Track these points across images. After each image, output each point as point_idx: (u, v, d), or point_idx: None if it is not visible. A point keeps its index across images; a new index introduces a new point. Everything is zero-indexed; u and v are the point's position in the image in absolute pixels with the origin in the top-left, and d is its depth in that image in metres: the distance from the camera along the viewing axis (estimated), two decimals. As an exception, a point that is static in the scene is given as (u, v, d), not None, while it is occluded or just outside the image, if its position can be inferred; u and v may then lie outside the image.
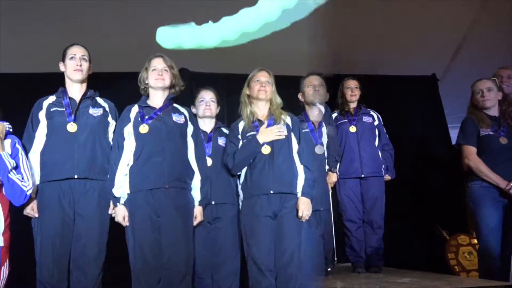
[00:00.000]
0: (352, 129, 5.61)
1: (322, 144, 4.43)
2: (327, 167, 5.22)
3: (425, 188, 7.20)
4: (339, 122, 5.66)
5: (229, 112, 5.66)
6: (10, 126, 3.96)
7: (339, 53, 6.83)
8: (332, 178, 5.41)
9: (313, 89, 4.56)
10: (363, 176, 5.53)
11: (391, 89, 7.63)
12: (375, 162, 5.60)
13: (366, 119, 5.72)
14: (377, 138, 5.74)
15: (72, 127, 4.02)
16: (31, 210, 3.95)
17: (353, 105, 5.77)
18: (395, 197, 6.04)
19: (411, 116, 7.77)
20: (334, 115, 5.66)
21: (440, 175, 7.20)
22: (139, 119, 4.09)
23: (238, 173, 4.35)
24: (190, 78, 5.62)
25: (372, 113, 5.82)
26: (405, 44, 7.15)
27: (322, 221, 4.27)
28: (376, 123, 5.78)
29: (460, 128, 5.12)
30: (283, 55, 6.04)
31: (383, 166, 5.67)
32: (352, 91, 5.72)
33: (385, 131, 5.84)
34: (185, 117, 4.22)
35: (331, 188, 5.46)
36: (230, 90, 5.78)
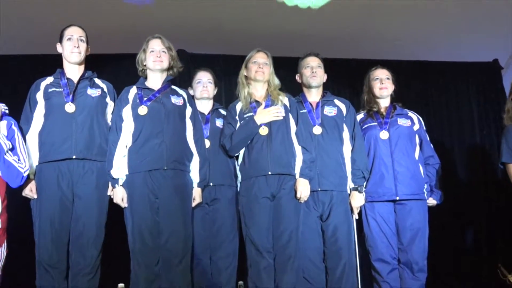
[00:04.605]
0: (384, 135, 4.48)
1: (320, 125, 4.40)
2: (351, 184, 4.40)
3: (484, 216, 6.00)
4: (365, 125, 4.59)
5: (227, 93, 5.62)
6: (6, 107, 3.96)
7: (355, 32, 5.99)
8: (358, 200, 4.40)
9: (310, 70, 4.53)
10: (398, 199, 4.38)
11: (435, 81, 6.41)
12: (415, 180, 4.41)
13: (402, 122, 4.54)
14: (417, 148, 4.55)
15: (70, 108, 4.01)
16: (30, 191, 3.95)
17: (384, 103, 4.67)
18: (442, 228, 5.28)
19: (465, 116, 6.38)
20: (360, 116, 4.65)
21: (506, 199, 5.70)
22: (138, 100, 4.08)
23: (236, 155, 4.36)
24: (188, 59, 5.58)
25: (410, 114, 4.68)
26: (455, 21, 5.83)
27: (319, 201, 4.27)
28: (416, 127, 4.61)
29: (504, 140, 4.21)
30: (282, 36, 5.91)
31: (425, 186, 4.46)
32: (382, 83, 4.64)
33: (428, 138, 4.68)
34: (184, 99, 4.21)
35: (358, 214, 4.45)
36: (228, 71, 5.75)
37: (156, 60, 4.13)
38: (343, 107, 4.53)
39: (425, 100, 6.30)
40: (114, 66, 5.55)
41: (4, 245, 3.75)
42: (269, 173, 4.12)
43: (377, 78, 4.66)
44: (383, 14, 5.71)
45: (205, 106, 4.54)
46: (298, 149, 4.24)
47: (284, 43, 5.84)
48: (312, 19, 5.72)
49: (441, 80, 6.45)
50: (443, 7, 5.57)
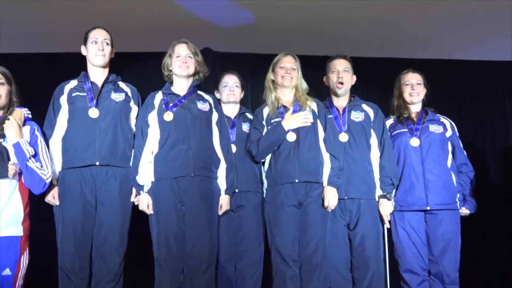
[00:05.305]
0: (414, 142, 4.36)
1: (346, 132, 4.29)
2: (379, 192, 4.27)
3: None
4: (395, 132, 4.47)
5: (253, 94, 5.51)
6: (29, 112, 3.91)
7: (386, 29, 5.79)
8: (386, 208, 4.27)
9: (336, 75, 4.40)
10: (429, 208, 4.25)
11: (467, 81, 6.27)
12: (447, 190, 4.29)
13: (434, 128, 4.42)
14: (449, 155, 4.44)
15: (93, 113, 3.94)
16: (52, 198, 3.90)
17: (415, 109, 4.54)
18: (476, 239, 5.25)
19: (498, 118, 6.27)
20: (389, 121, 4.54)
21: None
22: (164, 106, 4.03)
23: (262, 160, 4.27)
24: (213, 58, 5.51)
25: (442, 119, 4.54)
26: (489, 19, 5.58)
27: (346, 210, 4.18)
28: (448, 133, 4.48)
29: None
30: (310, 34, 5.77)
31: (458, 195, 4.35)
32: (413, 89, 4.50)
33: (461, 145, 4.55)
34: (210, 104, 4.15)
35: (388, 221, 4.31)
36: (254, 70, 5.64)
37: (181, 66, 4.07)
38: (370, 112, 4.41)
39: (456, 101, 6.17)
40: (139, 65, 5.49)
41: (26, 252, 3.70)
42: (296, 180, 4.04)
43: (407, 83, 4.52)
44: (414, 12, 5.54)
45: (231, 110, 4.45)
46: (326, 156, 4.16)
47: (312, 41, 5.75)
48: (342, 17, 5.56)
49: (474, 80, 6.31)
50: (476, 6, 5.39)
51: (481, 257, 5.62)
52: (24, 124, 3.80)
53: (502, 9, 5.39)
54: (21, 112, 3.81)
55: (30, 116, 3.90)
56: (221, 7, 5.27)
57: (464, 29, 5.81)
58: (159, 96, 4.09)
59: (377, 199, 4.28)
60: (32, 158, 3.68)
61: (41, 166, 3.71)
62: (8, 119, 3.68)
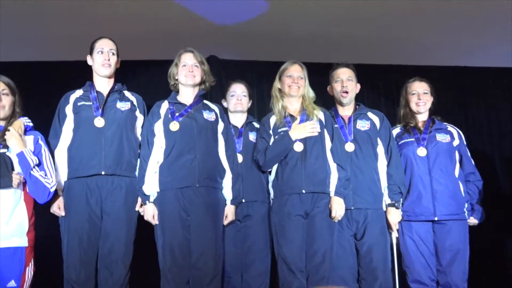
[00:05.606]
0: (421, 151, 4.32)
1: (352, 142, 4.26)
2: (387, 200, 4.24)
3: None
4: (402, 141, 4.42)
5: (259, 102, 5.48)
6: (29, 120, 3.89)
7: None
8: (395, 216, 4.23)
9: (340, 84, 4.38)
10: (436, 219, 4.23)
11: (474, 87, 6.26)
12: (455, 200, 4.26)
13: (441, 137, 4.37)
14: (457, 165, 4.40)
15: (99, 122, 3.93)
16: (58, 209, 3.88)
17: (422, 118, 4.49)
18: (485, 249, 5.22)
19: (506, 125, 6.22)
20: (396, 130, 4.50)
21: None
22: (169, 116, 4.00)
23: (269, 170, 4.24)
24: (219, 66, 5.49)
25: (450, 128, 4.50)
26: (495, 25, 5.54)
27: (353, 220, 4.14)
28: (455, 142, 4.44)
29: None
30: (317, 40, 5.73)
31: (466, 205, 4.31)
32: (420, 98, 4.47)
33: (469, 154, 4.51)
34: (216, 114, 4.12)
35: (396, 230, 4.27)
36: (261, 78, 5.62)
37: (188, 75, 4.05)
38: (376, 120, 4.38)
39: (463, 109, 6.13)
40: (144, 73, 5.48)
41: (31, 264, 3.67)
42: (303, 191, 4.01)
43: (414, 93, 4.47)
44: (418, 19, 5.51)
45: (238, 119, 4.42)
46: (333, 166, 4.12)
47: (318, 48, 5.71)
48: (346, 24, 5.53)
49: (480, 87, 6.29)
50: (483, 10, 5.35)
51: (490, 267, 5.57)
52: (25, 133, 3.79)
53: (507, 13, 5.35)
54: (21, 122, 3.79)
55: (31, 124, 3.88)
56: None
57: (469, 35, 5.78)
58: (165, 106, 4.07)
59: (385, 208, 4.24)
60: (36, 167, 3.67)
61: (45, 175, 3.69)
62: (8, 130, 3.67)
